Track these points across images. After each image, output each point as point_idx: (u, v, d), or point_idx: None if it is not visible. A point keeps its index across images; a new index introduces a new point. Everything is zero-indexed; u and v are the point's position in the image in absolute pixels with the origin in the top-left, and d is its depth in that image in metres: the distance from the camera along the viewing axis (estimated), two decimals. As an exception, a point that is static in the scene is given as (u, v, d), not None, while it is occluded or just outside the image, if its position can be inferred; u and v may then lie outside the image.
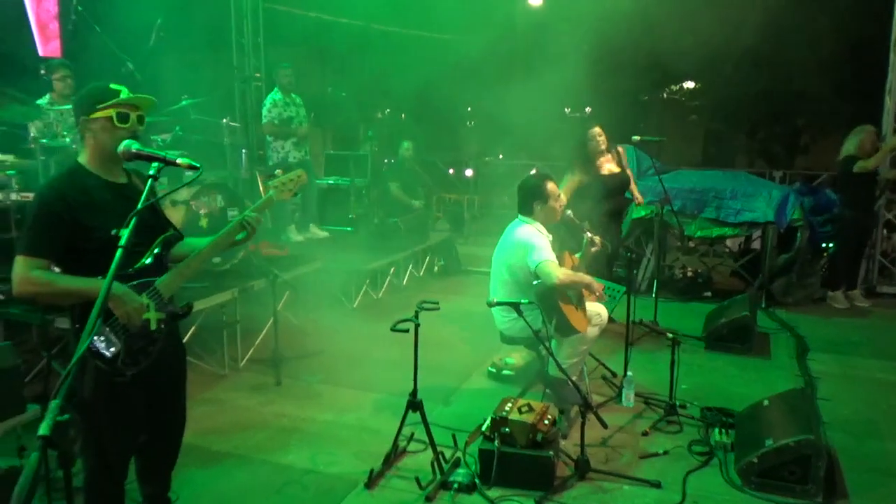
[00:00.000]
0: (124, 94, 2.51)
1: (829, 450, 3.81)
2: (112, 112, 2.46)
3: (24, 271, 2.37)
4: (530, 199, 4.36)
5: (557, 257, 4.21)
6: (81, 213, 2.42)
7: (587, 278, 4.19)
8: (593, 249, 4.46)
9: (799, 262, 7.27)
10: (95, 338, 2.39)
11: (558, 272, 4.02)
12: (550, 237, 4.37)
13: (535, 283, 4.09)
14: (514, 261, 4.26)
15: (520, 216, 4.42)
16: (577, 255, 4.51)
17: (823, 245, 7.50)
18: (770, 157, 18.49)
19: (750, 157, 19.33)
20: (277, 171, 2.87)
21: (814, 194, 7.73)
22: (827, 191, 7.80)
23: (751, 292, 7.04)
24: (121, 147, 2.37)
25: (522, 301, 3.76)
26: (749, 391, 4.82)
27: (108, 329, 2.42)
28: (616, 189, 5.91)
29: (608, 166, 5.93)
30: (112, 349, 2.43)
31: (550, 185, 4.37)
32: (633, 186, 6.22)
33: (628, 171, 6.14)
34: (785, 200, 7.14)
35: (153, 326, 2.53)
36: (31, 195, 4.87)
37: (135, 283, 2.48)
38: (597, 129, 5.85)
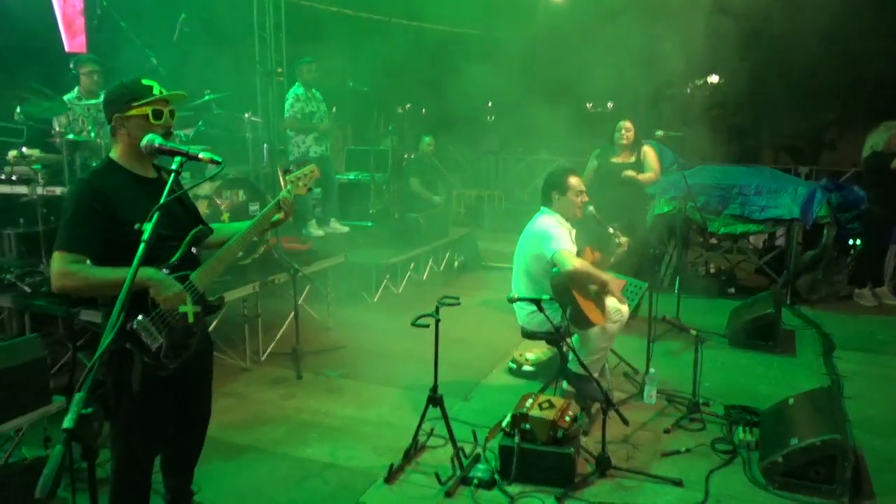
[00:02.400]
0: (156, 90, 2.55)
1: (855, 450, 3.74)
2: (148, 110, 2.50)
3: (63, 266, 2.38)
4: (549, 189, 4.37)
5: (579, 251, 4.19)
6: (117, 207, 2.44)
7: (604, 276, 4.14)
8: (620, 251, 4.42)
9: (825, 259, 7.16)
10: (140, 332, 2.41)
11: (574, 260, 4.00)
12: (574, 231, 4.35)
13: (553, 270, 4.07)
14: (534, 251, 4.24)
15: (542, 207, 4.42)
16: (600, 254, 4.47)
17: (850, 242, 7.37)
18: (796, 152, 18.21)
19: (775, 153, 19.06)
20: (292, 167, 2.89)
21: (840, 190, 7.60)
22: (854, 187, 7.66)
23: (776, 289, 6.95)
24: (144, 142, 2.39)
25: (543, 297, 3.73)
26: (774, 389, 4.76)
27: (150, 323, 2.44)
28: (619, 178, 5.84)
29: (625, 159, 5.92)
30: (155, 343, 2.45)
31: (572, 179, 4.35)
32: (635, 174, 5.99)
33: (646, 174, 5.98)
34: (811, 197, 7.03)
35: (191, 319, 2.56)
36: (56, 190, 4.94)
37: (171, 277, 2.51)
38: (627, 123, 5.80)
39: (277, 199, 2.78)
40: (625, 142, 5.80)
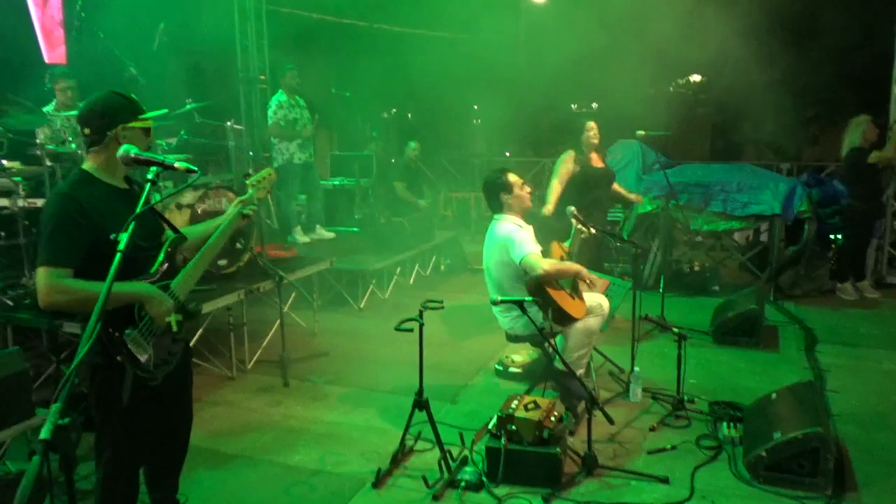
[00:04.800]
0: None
1: (838, 442, 3.79)
2: (150, 123, 2.60)
3: (53, 281, 2.35)
4: (496, 193, 4.35)
5: (546, 248, 4.20)
6: (96, 218, 2.45)
7: (575, 266, 4.17)
8: (582, 237, 4.45)
9: (807, 255, 7.23)
10: (131, 345, 2.43)
11: (543, 263, 4.01)
12: (531, 227, 4.36)
13: (525, 277, 4.09)
14: (500, 258, 4.25)
15: (494, 215, 4.42)
16: (565, 244, 4.49)
17: (831, 237, 7.45)
18: (778, 148, 18.36)
19: (758, 150, 19.20)
20: (250, 170, 2.96)
21: (821, 186, 7.68)
22: (834, 182, 7.75)
23: (759, 285, 7.01)
24: (120, 152, 2.39)
25: (526, 299, 3.75)
26: (757, 384, 4.80)
27: (139, 335, 2.45)
28: (600, 182, 5.92)
29: (595, 160, 5.95)
30: (144, 354, 2.47)
31: (510, 176, 4.36)
32: (619, 188, 6.27)
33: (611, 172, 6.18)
34: (792, 193, 7.10)
35: (175, 328, 2.58)
36: (38, 202, 4.91)
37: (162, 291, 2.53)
38: (592, 123, 5.86)
39: (236, 210, 2.83)
40: (595, 142, 5.85)
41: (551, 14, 15.12)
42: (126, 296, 2.44)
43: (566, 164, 5.80)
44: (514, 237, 4.14)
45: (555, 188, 5.68)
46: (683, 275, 7.60)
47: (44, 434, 1.55)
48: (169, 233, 2.72)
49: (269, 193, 3.20)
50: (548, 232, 4.63)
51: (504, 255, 4.19)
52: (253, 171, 8.12)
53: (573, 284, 4.27)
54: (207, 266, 2.73)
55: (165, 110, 2.81)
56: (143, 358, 2.45)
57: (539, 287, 4.02)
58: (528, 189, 4.42)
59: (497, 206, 4.38)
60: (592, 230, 4.45)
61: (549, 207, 5.61)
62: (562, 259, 4.31)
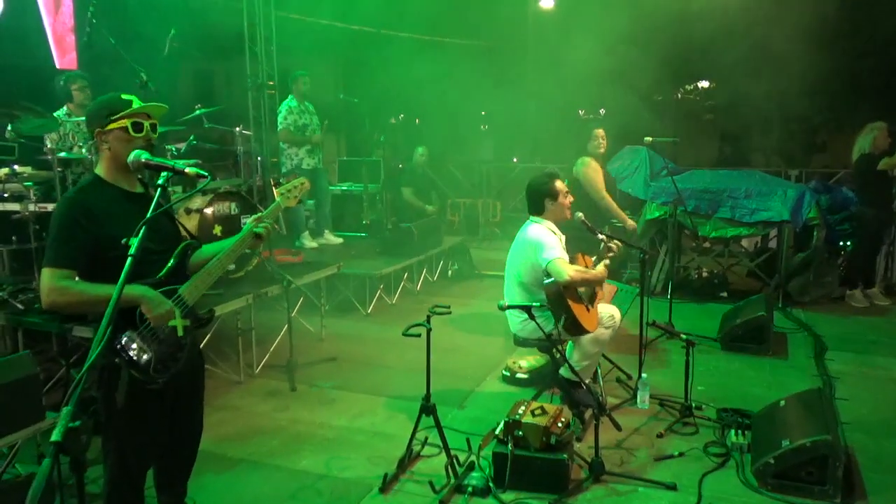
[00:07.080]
0: (136, 103, 2.55)
1: (846, 450, 3.77)
2: (127, 122, 2.50)
3: (53, 282, 2.39)
4: (541, 198, 4.38)
5: (571, 258, 4.21)
6: (103, 222, 2.45)
7: (600, 275, 4.18)
8: (609, 255, 4.44)
9: (816, 261, 7.20)
10: (129, 347, 2.42)
11: (569, 269, 4.02)
12: (563, 237, 4.37)
13: (546, 281, 4.09)
14: (527, 260, 4.27)
15: (531, 217, 4.43)
16: (592, 259, 4.50)
17: (841, 243, 7.42)
18: (787, 155, 18.31)
19: (766, 156, 19.16)
20: (282, 180, 2.93)
21: (830, 192, 7.65)
22: (843, 188, 7.72)
23: (767, 292, 6.99)
24: (130, 158, 2.40)
25: (534, 304, 3.75)
26: (766, 392, 4.78)
27: (138, 337, 2.45)
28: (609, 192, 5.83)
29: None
30: (144, 357, 2.46)
31: (558, 183, 4.38)
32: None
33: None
34: (800, 199, 7.07)
35: (180, 333, 2.56)
36: (49, 206, 4.94)
37: (159, 290, 2.52)
38: (601, 132, 5.80)
39: (252, 226, 2.75)
40: (602, 151, 5.79)
41: (559, 20, 15.15)
42: (122, 297, 2.43)
43: (598, 173, 5.72)
44: (546, 241, 4.17)
45: (608, 199, 5.59)
46: (691, 281, 7.58)
47: (55, 436, 1.56)
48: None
49: (300, 203, 3.11)
50: (578, 243, 4.62)
51: (532, 258, 4.21)
52: (261, 176, 8.16)
53: (590, 295, 4.28)
54: (217, 277, 2.72)
55: (164, 105, 2.69)
56: (142, 360, 2.44)
57: (559, 294, 4.03)
58: (570, 199, 4.43)
59: (538, 210, 4.41)
60: (614, 245, 4.44)
61: (629, 223, 5.78)
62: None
